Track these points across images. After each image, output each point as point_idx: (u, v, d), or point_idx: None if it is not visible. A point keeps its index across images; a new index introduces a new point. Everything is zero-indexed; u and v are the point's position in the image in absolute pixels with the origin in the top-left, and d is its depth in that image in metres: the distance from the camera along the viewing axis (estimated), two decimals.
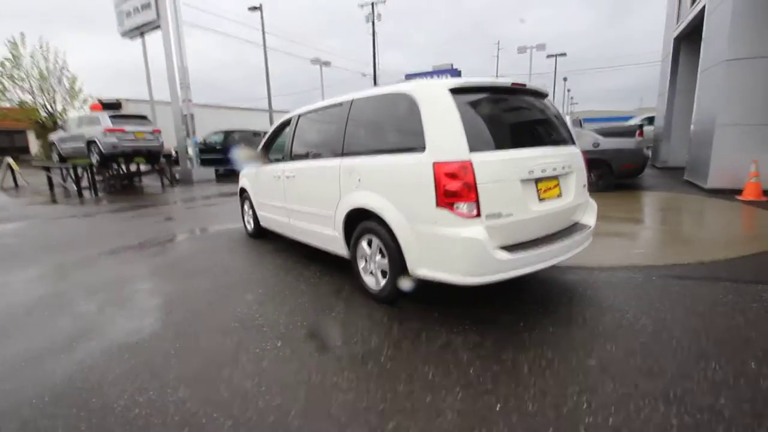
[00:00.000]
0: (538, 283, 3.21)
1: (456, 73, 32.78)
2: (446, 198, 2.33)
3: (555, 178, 2.73)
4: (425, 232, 2.47)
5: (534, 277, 3.27)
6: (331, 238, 3.39)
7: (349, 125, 3.11)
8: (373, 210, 2.77)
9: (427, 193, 2.41)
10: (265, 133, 15.99)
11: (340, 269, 3.68)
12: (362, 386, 1.97)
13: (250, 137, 15.15)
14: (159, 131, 12.07)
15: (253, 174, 4.88)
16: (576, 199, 2.90)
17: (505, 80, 2.72)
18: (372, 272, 3.00)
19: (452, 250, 2.36)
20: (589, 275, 3.31)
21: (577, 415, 1.71)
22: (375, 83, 32.83)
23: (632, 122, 17.97)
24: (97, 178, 11.41)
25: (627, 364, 2.06)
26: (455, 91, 2.46)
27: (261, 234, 5.09)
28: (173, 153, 15.45)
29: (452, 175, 2.31)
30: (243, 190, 5.28)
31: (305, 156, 3.73)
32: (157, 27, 12.83)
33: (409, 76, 35.27)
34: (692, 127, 7.77)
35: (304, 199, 3.67)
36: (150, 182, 13.57)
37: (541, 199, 2.62)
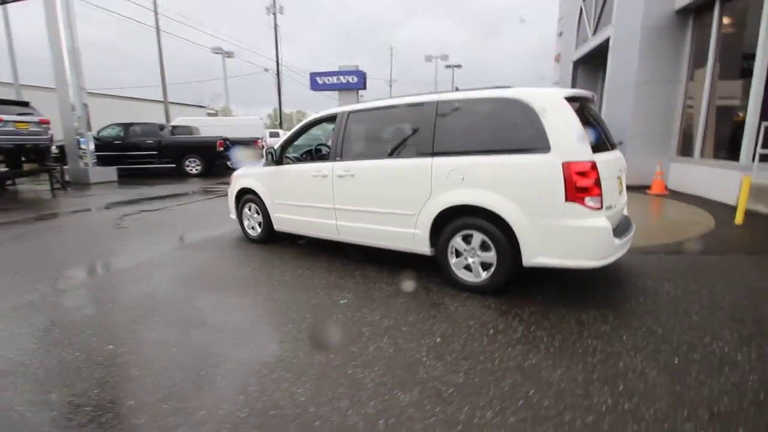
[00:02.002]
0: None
1: (362, 74, 33.56)
2: (577, 193, 2.66)
3: (619, 176, 3.28)
4: (550, 224, 2.76)
5: None
6: (407, 237, 3.43)
7: (438, 126, 3.21)
8: (483, 206, 2.94)
9: (554, 189, 2.70)
10: (173, 127, 14.28)
11: (403, 266, 3.72)
12: (560, 363, 2.18)
13: (155, 131, 13.34)
14: (48, 122, 9.85)
15: (266, 174, 4.51)
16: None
17: (588, 92, 3.17)
18: (468, 266, 3.17)
19: (581, 239, 2.71)
20: None
21: (730, 354, 2.21)
22: (278, 78, 31.46)
23: None
24: None
25: (718, 317, 2.68)
26: (566, 99, 2.81)
27: (270, 238, 4.73)
28: (53, 149, 12.69)
29: (582, 173, 2.65)
30: (245, 192, 4.82)
31: (368, 155, 3.66)
32: None
33: (315, 75, 34.81)
34: None
35: (370, 199, 3.60)
36: (25, 186, 10.97)
37: (619, 194, 3.14)
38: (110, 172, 11.91)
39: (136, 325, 2.71)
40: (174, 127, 14.72)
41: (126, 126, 13.18)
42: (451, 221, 3.18)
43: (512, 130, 2.92)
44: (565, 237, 2.75)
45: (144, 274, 3.80)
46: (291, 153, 4.66)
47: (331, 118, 4.11)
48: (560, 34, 15.13)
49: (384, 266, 3.80)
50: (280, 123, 34.15)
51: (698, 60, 7.23)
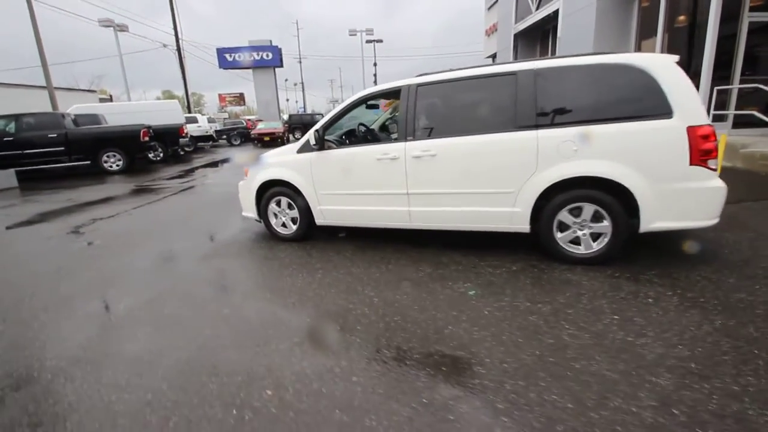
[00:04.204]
0: None
1: (277, 50, 31.47)
2: (701, 156, 2.75)
3: None
4: (672, 188, 2.83)
5: None
6: (502, 216, 3.27)
7: (540, 96, 3.05)
8: (605, 176, 2.90)
9: (679, 153, 2.77)
10: (75, 116, 11.86)
11: (480, 247, 3.60)
12: (743, 318, 2.27)
13: (57, 122, 10.99)
14: None
15: (304, 162, 3.93)
16: None
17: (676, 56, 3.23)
18: (575, 239, 3.15)
19: (702, 200, 2.84)
20: None
21: None
22: (180, 55, 27.85)
23: None
24: None
25: None
26: None
27: (308, 235, 4.21)
28: None
29: (705, 137, 2.74)
30: (271, 185, 4.18)
31: (450, 132, 3.36)
32: None
33: (223, 51, 31.75)
34: None
35: (457, 180, 3.34)
36: None
37: None
38: (7, 177, 9.55)
39: (284, 349, 2.19)
40: (75, 116, 12.25)
41: (15, 118, 10.59)
42: (557, 195, 3.10)
43: (627, 97, 2.90)
44: (687, 200, 2.85)
45: (210, 298, 3.10)
46: (329, 136, 4.12)
47: (390, 94, 3.70)
48: (490, 7, 15.68)
49: (464, 250, 3.61)
50: (189, 107, 30.57)
51: (645, 31, 8.06)
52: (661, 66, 2.81)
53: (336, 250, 3.89)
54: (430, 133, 3.44)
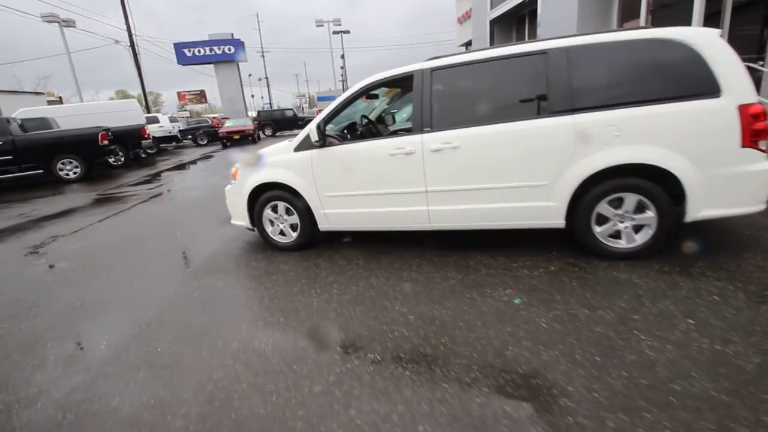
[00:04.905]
0: None
1: (239, 43, 30.11)
2: (752, 137, 2.53)
3: None
4: (721, 173, 2.61)
5: None
6: (535, 211, 2.98)
7: (574, 77, 2.75)
8: (651, 163, 2.63)
9: (729, 135, 2.54)
10: (21, 120, 10.76)
11: (504, 245, 3.30)
12: None
13: (2, 128, 9.85)
14: None
15: (304, 161, 3.49)
16: None
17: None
18: (615, 233, 2.90)
19: (753, 185, 2.63)
20: None
21: None
22: (134, 50, 25.99)
23: None
24: None
25: None
26: None
27: (309, 242, 3.79)
28: None
29: (756, 116, 2.52)
30: (266, 188, 3.71)
31: (473, 121, 3.00)
32: None
33: (181, 46, 30.20)
34: None
35: (483, 174, 3.01)
36: None
37: None
38: None
39: (321, 392, 1.79)
40: (23, 121, 11.06)
41: None
42: (596, 186, 2.83)
43: (671, 75, 2.63)
44: (736, 185, 2.63)
45: (211, 327, 2.63)
46: (330, 131, 3.68)
47: (400, 80, 3.31)
48: None
49: (489, 250, 3.30)
50: (147, 106, 28.75)
51: (627, 12, 8.00)
52: (707, 40, 2.57)
53: (346, 259, 3.49)
54: (451, 122, 3.08)
